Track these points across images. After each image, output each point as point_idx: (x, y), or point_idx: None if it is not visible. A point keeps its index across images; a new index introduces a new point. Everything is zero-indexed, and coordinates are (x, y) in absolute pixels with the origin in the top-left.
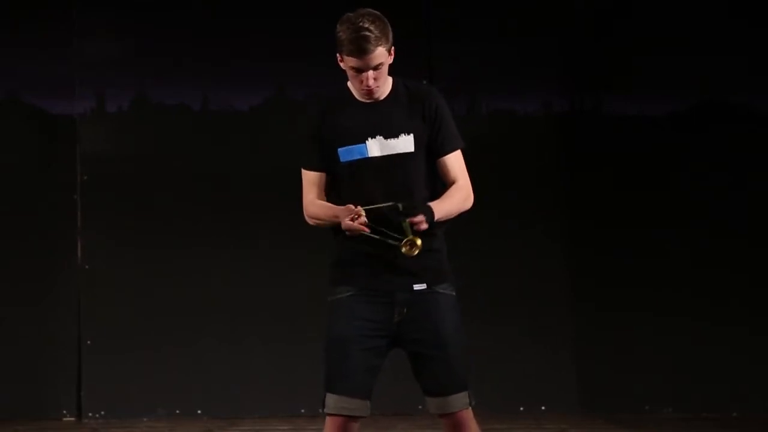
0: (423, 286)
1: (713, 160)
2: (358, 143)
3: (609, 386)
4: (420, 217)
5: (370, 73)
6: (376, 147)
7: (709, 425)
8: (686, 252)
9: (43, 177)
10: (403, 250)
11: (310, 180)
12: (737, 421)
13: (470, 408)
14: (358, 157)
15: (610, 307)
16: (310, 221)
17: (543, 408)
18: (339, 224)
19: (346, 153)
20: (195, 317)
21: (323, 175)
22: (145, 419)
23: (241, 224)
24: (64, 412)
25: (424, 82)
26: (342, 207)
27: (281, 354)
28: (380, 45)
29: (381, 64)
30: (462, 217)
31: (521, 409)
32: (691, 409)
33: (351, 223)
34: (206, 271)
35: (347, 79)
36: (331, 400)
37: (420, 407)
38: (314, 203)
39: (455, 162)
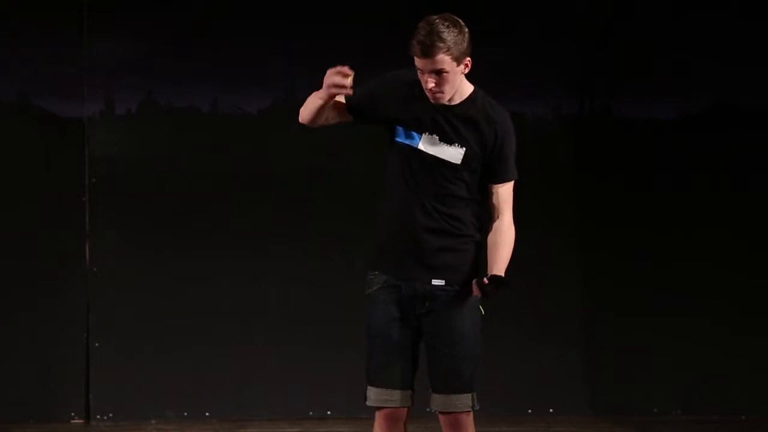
0: (441, 282)
1: (722, 162)
2: (415, 131)
3: (617, 388)
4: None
5: (430, 76)
6: (428, 143)
7: (718, 428)
8: (696, 254)
9: (51, 179)
10: None
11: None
12: (746, 424)
13: (471, 412)
14: (409, 143)
15: (618, 309)
16: (302, 115)
17: (551, 410)
18: (321, 108)
19: (402, 134)
20: (203, 319)
21: (344, 108)
22: (153, 421)
23: (250, 226)
24: (73, 414)
25: None
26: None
27: (290, 356)
28: (444, 52)
29: (443, 71)
30: None
31: (529, 411)
32: (700, 411)
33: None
34: (214, 273)
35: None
36: (372, 393)
37: (429, 410)
38: None
39: (504, 193)
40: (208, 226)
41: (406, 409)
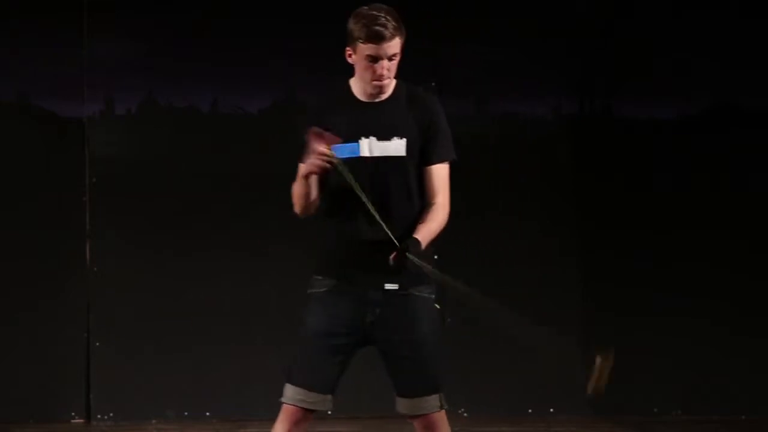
0: (395, 287)
1: (722, 162)
2: (352, 142)
3: (617, 388)
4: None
5: (385, 62)
6: (367, 147)
7: (718, 428)
8: (695, 254)
9: (51, 179)
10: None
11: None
12: (746, 424)
13: (443, 411)
14: (351, 155)
15: (619, 310)
16: (295, 208)
17: (551, 410)
18: (309, 196)
19: (339, 150)
20: (204, 319)
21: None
22: (153, 421)
23: (251, 227)
24: (73, 414)
25: (433, 84)
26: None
27: (290, 356)
28: (397, 35)
29: (395, 55)
30: (471, 219)
31: (529, 411)
32: (700, 411)
33: (316, 159)
34: (215, 273)
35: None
36: (290, 391)
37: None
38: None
39: (439, 174)
40: (208, 226)
41: (315, 412)
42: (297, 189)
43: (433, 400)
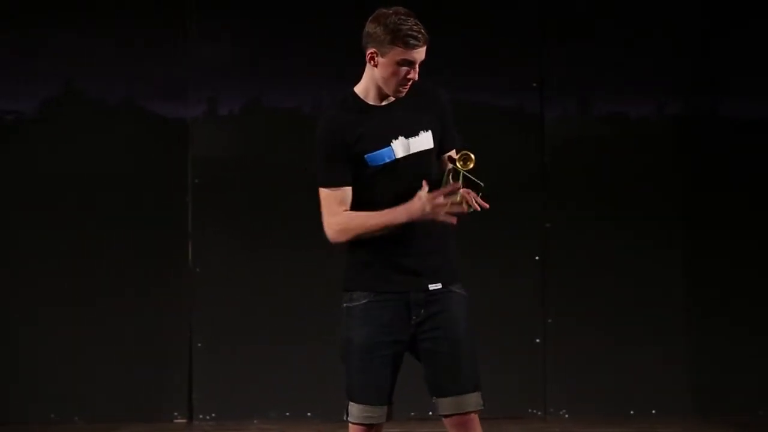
0: (438, 286)
1: None
2: (385, 147)
3: (721, 390)
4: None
5: (414, 67)
6: (400, 148)
7: None
8: None
9: (155, 180)
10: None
11: (337, 198)
12: None
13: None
14: (387, 160)
15: (723, 311)
16: (345, 236)
17: (654, 411)
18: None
19: (374, 158)
20: (307, 319)
21: (350, 189)
22: (255, 421)
23: None
24: (176, 414)
25: (534, 85)
26: (411, 203)
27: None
28: (427, 41)
29: (422, 61)
30: (573, 219)
31: (632, 412)
32: None
33: (440, 205)
34: (317, 273)
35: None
36: (355, 409)
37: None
38: (353, 216)
39: None
40: (311, 226)
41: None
42: (375, 227)
43: (476, 397)
